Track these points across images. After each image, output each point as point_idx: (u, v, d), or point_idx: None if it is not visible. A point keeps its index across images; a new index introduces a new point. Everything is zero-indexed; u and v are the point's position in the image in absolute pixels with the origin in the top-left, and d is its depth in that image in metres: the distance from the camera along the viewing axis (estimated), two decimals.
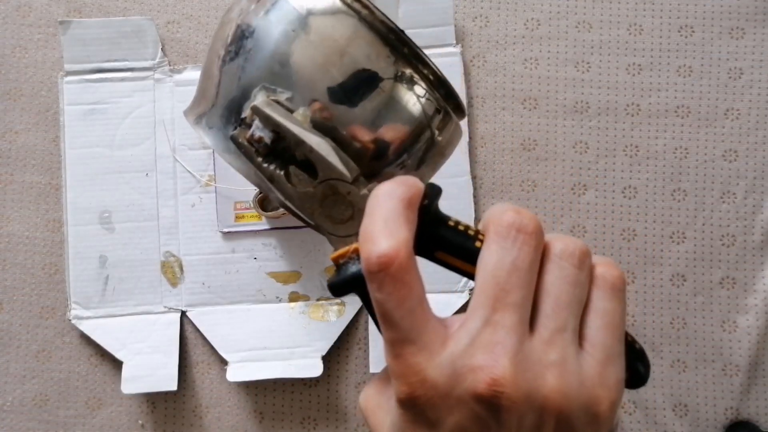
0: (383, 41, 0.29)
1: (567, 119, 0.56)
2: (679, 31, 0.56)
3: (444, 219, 0.26)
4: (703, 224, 0.55)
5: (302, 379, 0.54)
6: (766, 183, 0.55)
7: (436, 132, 0.31)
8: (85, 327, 0.53)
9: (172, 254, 0.54)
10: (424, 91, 0.30)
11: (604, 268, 0.25)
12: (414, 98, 0.30)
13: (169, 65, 0.55)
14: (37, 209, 0.55)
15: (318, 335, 0.53)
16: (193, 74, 0.55)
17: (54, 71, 0.55)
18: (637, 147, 0.56)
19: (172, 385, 0.52)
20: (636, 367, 0.26)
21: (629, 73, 0.56)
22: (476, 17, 0.56)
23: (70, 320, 0.53)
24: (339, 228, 0.29)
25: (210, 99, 0.31)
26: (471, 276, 0.26)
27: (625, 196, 0.56)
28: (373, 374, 0.54)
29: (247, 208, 0.53)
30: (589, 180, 0.55)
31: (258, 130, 0.28)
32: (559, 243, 0.25)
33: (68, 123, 0.54)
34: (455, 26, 0.55)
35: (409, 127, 0.30)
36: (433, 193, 0.26)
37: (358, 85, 0.29)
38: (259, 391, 0.54)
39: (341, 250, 0.27)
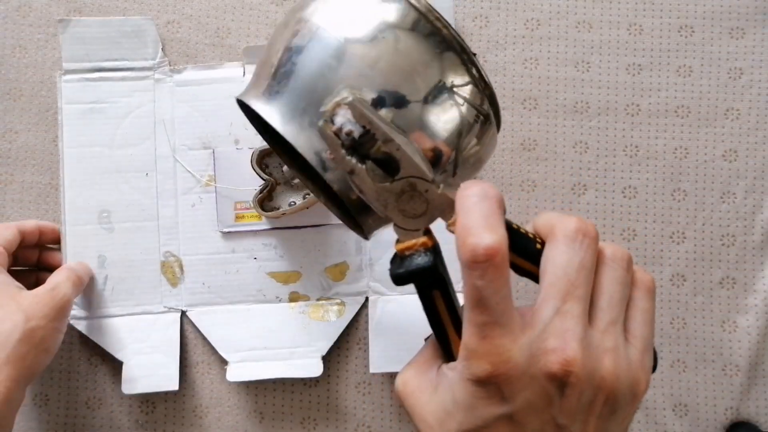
0: (459, 58, 0.33)
1: (567, 119, 0.56)
2: (679, 31, 0.56)
3: (509, 222, 0.30)
4: (703, 224, 0.55)
5: (302, 379, 0.54)
6: (766, 183, 0.55)
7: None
8: (84, 327, 0.53)
9: (172, 254, 0.54)
10: (480, 103, 0.33)
11: (640, 273, 0.30)
12: (473, 111, 0.33)
13: (170, 65, 0.55)
14: (37, 209, 0.55)
15: (318, 335, 0.53)
16: (194, 74, 0.54)
17: (54, 71, 0.55)
18: (637, 147, 0.56)
19: (173, 385, 0.52)
20: None
21: (629, 73, 0.56)
22: (476, 17, 0.56)
23: (69, 320, 0.53)
24: (409, 222, 0.31)
25: (277, 85, 0.33)
26: (529, 274, 0.31)
27: (625, 196, 0.56)
28: (374, 374, 0.54)
29: (247, 208, 0.53)
30: (589, 180, 0.55)
31: (349, 123, 0.30)
32: (609, 248, 0.30)
33: (67, 122, 0.54)
34: (455, 26, 0.55)
35: (461, 137, 0.33)
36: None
37: (435, 96, 0.32)
38: (259, 391, 0.54)
39: (409, 243, 0.30)
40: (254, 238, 0.54)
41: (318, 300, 0.54)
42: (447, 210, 0.31)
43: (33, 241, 0.52)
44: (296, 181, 0.51)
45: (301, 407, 0.54)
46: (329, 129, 0.30)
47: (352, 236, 0.53)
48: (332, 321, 0.53)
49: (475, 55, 0.33)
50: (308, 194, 0.52)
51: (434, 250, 0.31)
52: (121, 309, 0.53)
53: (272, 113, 0.33)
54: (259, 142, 0.53)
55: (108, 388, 0.54)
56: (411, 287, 0.30)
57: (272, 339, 0.53)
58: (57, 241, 0.53)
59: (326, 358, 0.53)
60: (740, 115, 0.56)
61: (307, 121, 0.31)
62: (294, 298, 0.54)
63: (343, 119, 0.30)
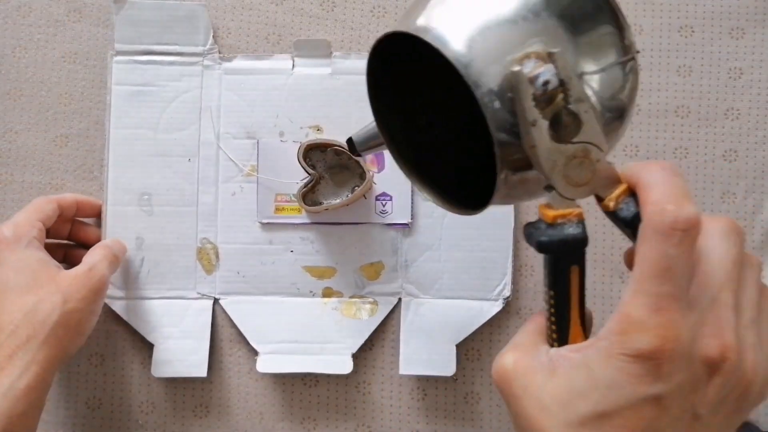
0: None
1: None
2: (679, 31, 0.56)
3: None
4: None
5: (303, 378, 0.54)
6: (766, 183, 0.55)
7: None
8: (118, 307, 0.53)
9: (209, 241, 0.54)
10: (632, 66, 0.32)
11: (763, 284, 0.31)
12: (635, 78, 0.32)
13: (219, 53, 0.54)
14: None
15: (349, 332, 0.53)
16: (243, 63, 0.54)
17: (54, 71, 0.55)
18: (637, 147, 0.56)
19: (202, 372, 0.52)
20: None
21: None
22: None
23: (104, 301, 0.52)
24: (569, 190, 0.30)
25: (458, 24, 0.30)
26: None
27: None
28: (403, 375, 0.54)
29: (288, 201, 0.53)
30: None
31: (548, 73, 0.28)
32: (747, 252, 0.30)
33: (115, 102, 0.53)
34: None
35: (631, 105, 0.32)
36: None
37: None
38: (258, 390, 0.54)
39: (563, 211, 0.30)
40: (292, 231, 0.54)
41: (351, 297, 0.54)
42: (609, 185, 0.30)
43: (69, 216, 0.52)
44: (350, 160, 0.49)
45: (301, 407, 0.54)
46: (525, 74, 0.28)
47: (389, 236, 0.53)
48: (364, 319, 0.53)
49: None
50: (357, 187, 0.52)
51: (584, 224, 0.30)
52: (155, 292, 0.53)
53: (452, 43, 0.29)
54: (303, 137, 0.53)
55: (108, 387, 0.54)
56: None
57: (304, 333, 0.53)
58: (93, 215, 0.53)
59: (355, 356, 0.53)
60: (740, 115, 0.56)
61: (489, 59, 0.29)
62: (327, 293, 0.54)
63: (542, 68, 0.28)
